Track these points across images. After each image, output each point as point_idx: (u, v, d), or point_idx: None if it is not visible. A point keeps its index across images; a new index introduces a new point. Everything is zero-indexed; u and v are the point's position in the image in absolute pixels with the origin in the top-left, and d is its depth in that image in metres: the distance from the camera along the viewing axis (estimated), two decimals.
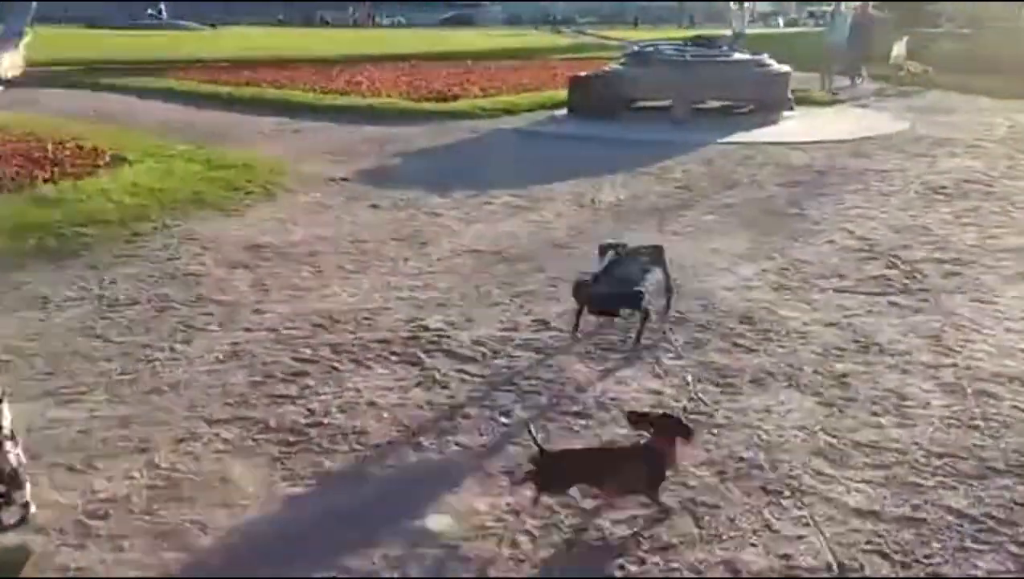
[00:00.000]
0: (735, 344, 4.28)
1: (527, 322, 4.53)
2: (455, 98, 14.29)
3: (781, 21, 57.09)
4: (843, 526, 2.75)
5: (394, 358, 4.01)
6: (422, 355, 4.07)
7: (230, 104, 13.63)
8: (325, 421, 3.39)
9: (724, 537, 2.70)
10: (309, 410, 3.48)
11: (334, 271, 5.34)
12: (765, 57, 12.61)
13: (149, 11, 43.96)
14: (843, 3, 17.44)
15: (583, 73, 13.13)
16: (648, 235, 6.31)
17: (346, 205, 7.13)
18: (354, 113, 12.72)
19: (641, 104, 12.48)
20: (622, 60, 13.11)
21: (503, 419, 3.44)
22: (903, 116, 13.16)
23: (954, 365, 3.99)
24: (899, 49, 18.50)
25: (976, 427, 3.40)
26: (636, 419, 2.93)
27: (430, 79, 16.76)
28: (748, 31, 24.79)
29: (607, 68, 13.08)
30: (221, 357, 4.00)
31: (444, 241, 6.08)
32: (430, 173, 8.60)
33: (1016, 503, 2.87)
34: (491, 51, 26.28)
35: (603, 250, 4.44)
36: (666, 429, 2.82)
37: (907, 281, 5.27)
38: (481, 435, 3.32)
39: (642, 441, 2.86)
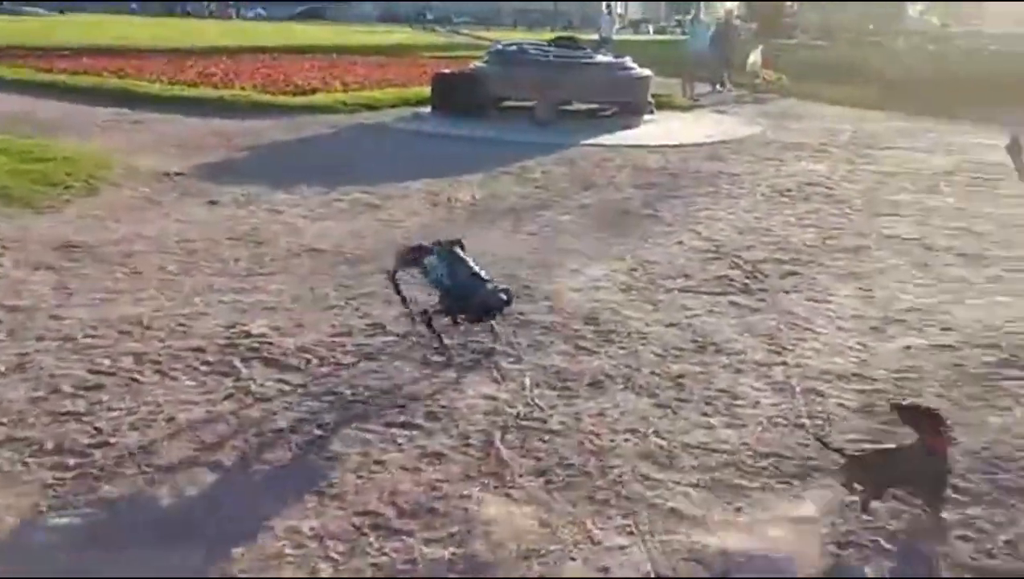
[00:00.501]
0: (577, 346, 4.17)
1: (361, 326, 4.26)
2: (314, 92, 13.79)
3: (651, 28, 58.79)
4: (666, 534, 2.65)
5: (204, 368, 3.66)
6: (238, 364, 3.73)
7: (67, 94, 12.61)
8: (112, 441, 3.01)
9: (543, 551, 2.53)
10: (96, 429, 3.09)
11: (153, 273, 4.89)
12: (627, 60, 12.80)
13: None
14: (702, 11, 18.00)
15: (446, 70, 12.92)
16: (500, 235, 6.19)
17: (178, 202, 6.62)
18: (204, 105, 12.03)
19: (506, 104, 12.41)
20: (485, 59, 12.99)
21: (318, 432, 3.17)
22: (756, 121, 13.68)
23: (784, 363, 4.01)
24: (755, 57, 19.28)
25: (801, 426, 3.40)
26: (907, 412, 2.74)
27: (290, 73, 16.13)
28: (617, 37, 25.33)
29: (471, 66, 12.93)
30: (2, 370, 3.53)
31: (282, 240, 5.72)
32: (278, 169, 8.17)
33: (835, 502, 2.85)
34: (359, 47, 25.66)
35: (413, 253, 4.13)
36: (935, 427, 2.63)
37: (748, 281, 5.34)
38: (290, 451, 3.04)
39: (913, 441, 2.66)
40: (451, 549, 2.52)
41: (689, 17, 18.59)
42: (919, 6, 38.67)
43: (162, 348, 3.82)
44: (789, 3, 43.19)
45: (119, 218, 6.01)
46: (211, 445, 3.03)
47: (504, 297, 3.90)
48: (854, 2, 36.53)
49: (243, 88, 13.85)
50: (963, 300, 5.03)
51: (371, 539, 2.55)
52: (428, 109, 12.54)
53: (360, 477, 2.89)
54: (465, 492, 2.83)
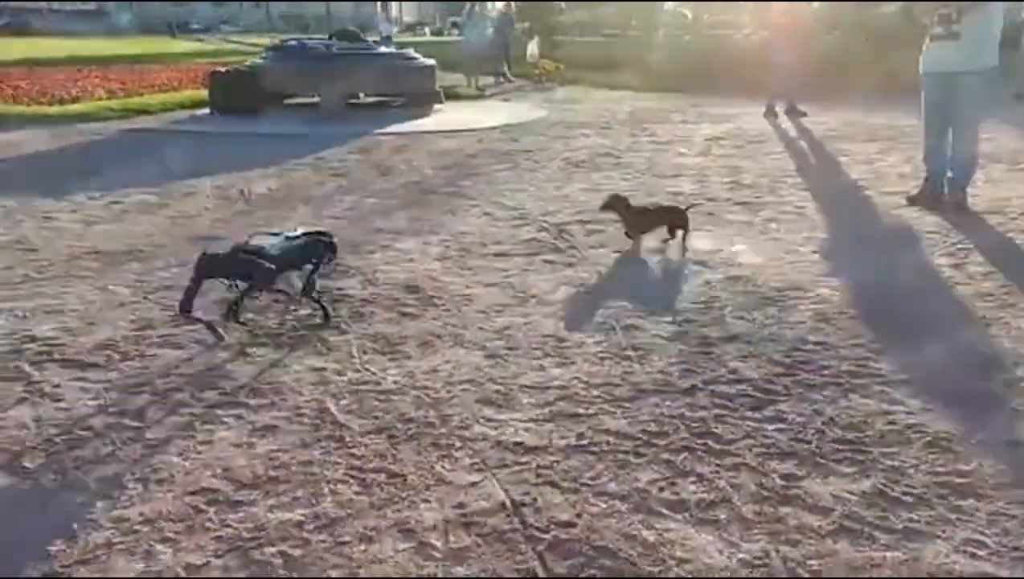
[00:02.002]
0: (401, 313, 4.11)
1: (164, 318, 3.95)
2: (74, 101, 12.64)
3: (427, 31, 59.30)
4: (516, 466, 2.68)
5: None
6: (28, 368, 3.34)
7: None
8: None
9: (395, 499, 2.48)
10: None
11: None
12: (410, 51, 12.82)
13: None
14: (477, 5, 18.41)
15: (222, 68, 12.29)
16: (302, 221, 5.99)
17: None
18: None
19: (290, 100, 12.03)
20: (263, 54, 12.50)
21: (134, 423, 2.90)
22: (541, 106, 14.20)
23: (603, 308, 4.19)
24: (532, 48, 20.03)
25: (628, 358, 3.56)
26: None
27: (47, 84, 14.67)
28: (396, 38, 25.31)
29: (248, 63, 12.39)
30: None
31: (60, 245, 5.18)
32: (44, 178, 7.40)
33: (665, 416, 3.02)
34: (124, 56, 23.84)
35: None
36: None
37: (556, 241, 5.52)
38: (104, 446, 2.75)
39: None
40: (299, 511, 2.40)
41: (464, 11, 18.92)
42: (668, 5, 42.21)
43: None
44: (557, 2, 45.43)
45: None
46: (9, 451, 2.68)
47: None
48: (616, 1, 39.05)
49: None
50: (747, 241, 5.50)
51: (209, 515, 2.37)
52: (206, 111, 11.89)
53: (187, 459, 2.68)
54: (305, 458, 2.71)
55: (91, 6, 55.96)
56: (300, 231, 3.92)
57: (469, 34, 18.71)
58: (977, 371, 3.39)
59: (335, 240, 4.01)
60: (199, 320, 3.64)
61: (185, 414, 2.99)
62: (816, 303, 4.20)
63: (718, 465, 2.68)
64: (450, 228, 5.84)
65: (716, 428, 2.94)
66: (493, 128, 11.21)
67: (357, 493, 2.51)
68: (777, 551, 2.23)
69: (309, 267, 3.87)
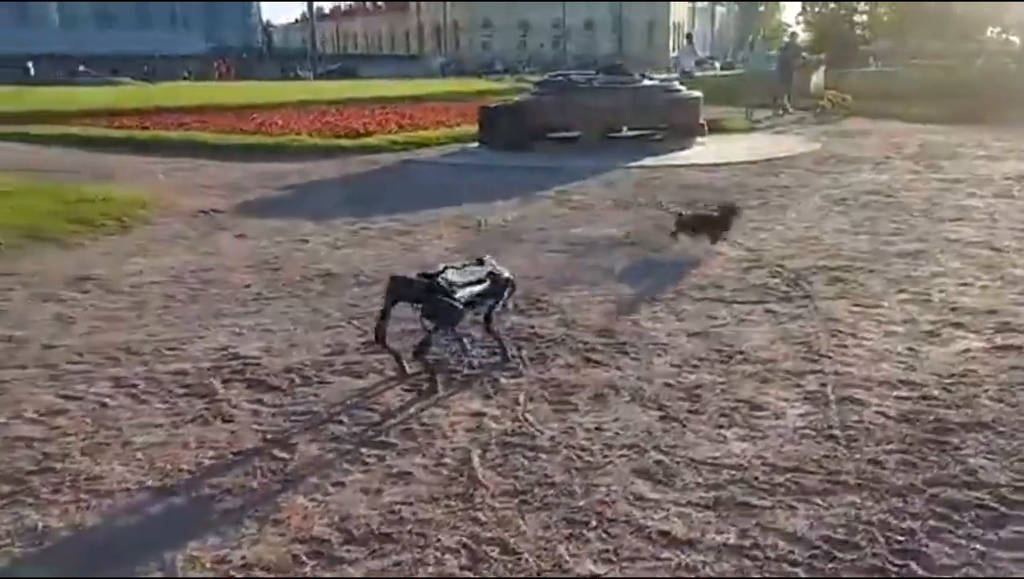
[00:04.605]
0: (586, 359, 3.81)
1: (357, 344, 4.00)
2: (369, 135, 13.90)
3: (717, 64, 58.22)
4: (652, 560, 2.26)
5: (181, 391, 3.46)
6: (218, 386, 3.51)
7: (127, 145, 13.04)
8: (57, 466, 2.80)
9: None
10: (44, 454, 2.90)
11: (160, 301, 4.78)
12: (674, 83, 12.45)
13: None
14: (760, 35, 17.57)
15: (492, 104, 12.82)
16: (526, 252, 5.92)
17: (206, 236, 6.58)
18: (257, 151, 12.24)
19: (554, 134, 12.18)
20: (533, 89, 12.84)
21: (282, 454, 2.90)
22: (818, 139, 13.10)
23: (820, 372, 3.56)
24: (817, 78, 18.67)
25: (834, 438, 2.95)
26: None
27: (348, 120, 16.35)
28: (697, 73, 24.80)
29: (516, 98, 12.80)
30: None
31: (298, 266, 5.57)
32: (317, 203, 8.12)
33: (860, 522, 2.41)
34: (429, 94, 25.91)
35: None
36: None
37: (788, 289, 4.89)
38: (246, 477, 2.76)
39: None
40: None
41: (749, 40, 18.18)
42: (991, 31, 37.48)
43: (145, 372, 3.65)
44: (860, 31, 42.29)
45: (144, 252, 5.98)
46: (159, 469, 2.80)
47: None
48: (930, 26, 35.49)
49: (298, 133, 14.08)
50: None
51: (306, 569, 2.25)
52: (476, 144, 12.44)
53: (312, 500, 2.60)
54: (426, 515, 2.51)
55: (411, 53, 62.40)
56: (485, 268, 3.77)
57: (753, 65, 17.91)
58: None
59: (513, 278, 3.81)
60: (390, 350, 3.61)
61: (331, 450, 2.94)
62: None
63: None
64: (669, 269, 5.42)
65: (927, 547, 2.29)
66: (754, 162, 10.49)
67: (463, 566, 2.26)
68: None
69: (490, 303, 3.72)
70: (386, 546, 2.35)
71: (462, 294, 3.45)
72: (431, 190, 9.01)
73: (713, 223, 5.86)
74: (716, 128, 13.97)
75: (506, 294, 3.78)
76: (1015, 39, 35.41)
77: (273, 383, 3.54)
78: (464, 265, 3.78)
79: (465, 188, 9.13)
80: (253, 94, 25.52)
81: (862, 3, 43.67)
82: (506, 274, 3.81)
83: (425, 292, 3.39)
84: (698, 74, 25.92)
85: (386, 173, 10.54)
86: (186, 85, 36.48)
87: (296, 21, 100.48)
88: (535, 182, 9.19)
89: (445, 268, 3.56)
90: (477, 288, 3.59)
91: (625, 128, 12.29)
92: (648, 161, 10.59)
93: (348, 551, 2.33)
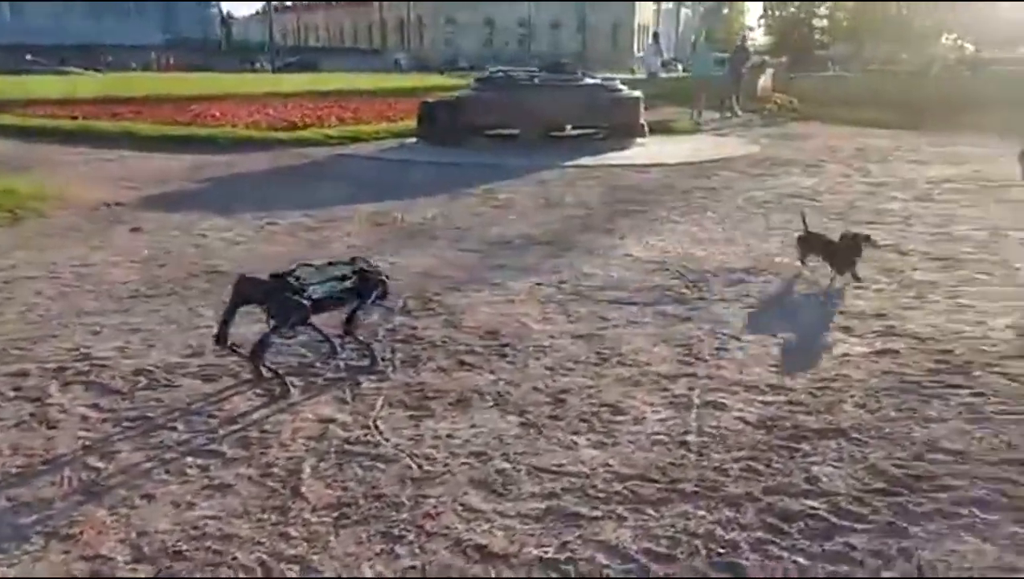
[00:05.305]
0: (460, 362, 3.66)
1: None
2: (305, 127, 13.62)
3: (680, 67, 58.39)
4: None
5: (12, 394, 3.23)
6: (55, 389, 3.29)
7: (46, 136, 12.63)
8: None
9: None
10: None
11: (27, 298, 4.53)
12: (616, 82, 12.37)
13: None
14: (701, 37, 17.63)
15: (430, 99, 12.63)
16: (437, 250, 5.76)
17: (102, 230, 6.30)
18: (195, 143, 11.92)
19: (494, 131, 12.01)
20: (472, 85, 12.67)
21: (98, 464, 2.70)
22: (758, 142, 13.11)
23: (693, 376, 3.45)
24: (764, 81, 18.76)
25: (685, 445, 2.84)
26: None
27: (288, 112, 16.03)
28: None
29: (456, 93, 12.62)
30: None
31: (186, 262, 5.34)
32: (231, 197, 7.86)
33: (685, 533, 2.29)
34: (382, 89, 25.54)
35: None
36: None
37: (685, 291, 4.79)
38: (53, 488, 2.57)
39: None
40: None
41: (692, 41, 18.22)
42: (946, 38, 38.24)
43: None
44: (819, 36, 42.78)
45: (27, 246, 5.70)
46: None
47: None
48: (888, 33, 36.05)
49: (234, 125, 13.75)
50: (924, 305, 4.42)
51: None
52: (414, 140, 12.24)
53: (114, 515, 2.41)
54: (231, 531, 2.34)
55: (373, 47, 61.49)
56: (353, 267, 3.60)
57: (696, 68, 17.94)
58: None
59: (385, 277, 3.66)
60: (237, 353, 3.42)
61: (154, 459, 2.75)
62: (976, 396, 3.18)
63: None
64: (577, 268, 5.30)
65: (746, 559, 2.17)
66: (690, 163, 10.44)
67: None
68: None
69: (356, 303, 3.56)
70: (176, 565, 2.18)
71: (315, 292, 3.29)
72: (355, 185, 8.80)
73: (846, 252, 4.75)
74: (663, 129, 13.93)
75: (374, 294, 3.61)
76: (970, 47, 36.05)
77: (115, 386, 3.33)
78: (330, 263, 3.63)
79: (391, 183, 8.95)
80: (205, 85, 25.01)
81: (822, 8, 44.33)
82: (380, 274, 3.65)
83: (270, 291, 3.22)
84: (663, 75, 25.95)
85: (314, 167, 10.31)
86: (136, 76, 35.65)
87: (257, 13, 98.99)
88: (465, 179, 9.02)
89: (298, 266, 3.39)
90: (337, 286, 3.43)
91: (569, 127, 12.18)
92: (585, 160, 10.48)
93: (133, 570, 2.16)
